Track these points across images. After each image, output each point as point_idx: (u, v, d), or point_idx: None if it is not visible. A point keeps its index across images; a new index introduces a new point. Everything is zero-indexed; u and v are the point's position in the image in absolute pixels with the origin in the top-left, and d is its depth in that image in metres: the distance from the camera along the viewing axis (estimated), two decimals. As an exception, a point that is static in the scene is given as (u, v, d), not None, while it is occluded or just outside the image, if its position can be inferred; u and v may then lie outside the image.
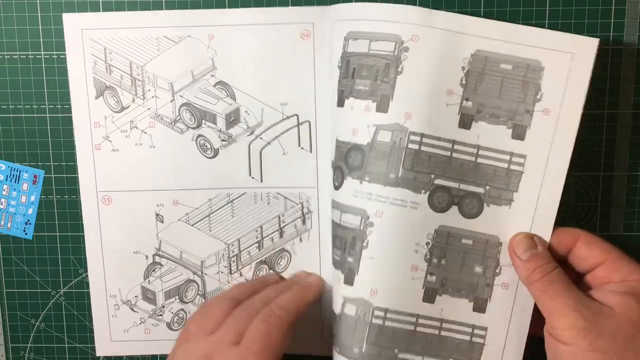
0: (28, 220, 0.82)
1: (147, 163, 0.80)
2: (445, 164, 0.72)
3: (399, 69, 0.71)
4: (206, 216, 0.83)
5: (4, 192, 0.81)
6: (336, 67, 0.72)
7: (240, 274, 0.84)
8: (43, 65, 0.79)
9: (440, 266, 0.74)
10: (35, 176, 0.82)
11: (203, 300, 0.83)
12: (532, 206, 0.71)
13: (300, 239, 0.84)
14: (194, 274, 0.84)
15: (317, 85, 0.78)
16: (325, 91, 0.75)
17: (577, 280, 0.67)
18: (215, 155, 0.82)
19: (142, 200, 0.81)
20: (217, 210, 0.83)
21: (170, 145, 0.80)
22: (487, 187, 0.73)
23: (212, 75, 0.80)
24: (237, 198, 0.83)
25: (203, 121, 0.81)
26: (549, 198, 0.71)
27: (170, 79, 0.79)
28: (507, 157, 0.72)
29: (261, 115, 0.81)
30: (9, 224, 0.81)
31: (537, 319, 0.67)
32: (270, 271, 0.84)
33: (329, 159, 0.75)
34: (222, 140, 0.81)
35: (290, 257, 0.85)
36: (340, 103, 0.73)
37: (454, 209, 0.74)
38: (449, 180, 0.73)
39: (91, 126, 0.79)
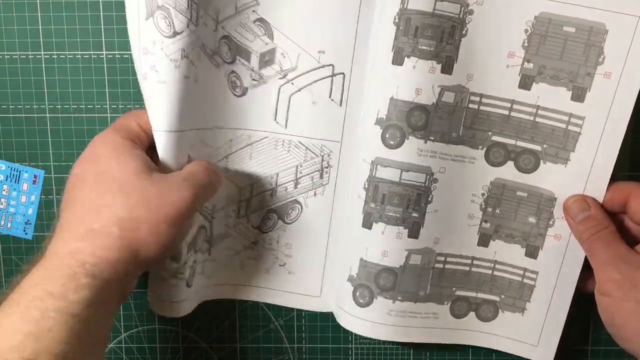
0: (28, 220, 0.80)
1: (190, 101, 0.69)
2: (502, 122, 0.75)
3: (464, 32, 0.71)
4: (224, 157, 0.77)
5: (4, 192, 0.78)
6: (390, 23, 0.71)
7: (248, 220, 0.80)
8: (43, 65, 0.77)
9: (494, 215, 0.78)
10: (35, 176, 0.79)
11: (208, 246, 0.77)
12: (588, 166, 0.73)
13: (315, 193, 0.81)
14: (204, 218, 0.77)
15: (358, 37, 0.73)
16: (368, 45, 0.72)
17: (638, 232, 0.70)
18: (243, 94, 0.77)
19: (174, 144, 0.69)
20: (236, 151, 0.78)
21: (208, 80, 0.72)
22: (545, 146, 0.75)
23: (253, 11, 0.74)
24: (258, 141, 0.78)
25: (237, 57, 0.74)
26: (604, 160, 0.73)
27: (217, 6, 0.71)
28: (566, 118, 0.74)
29: (297, 60, 0.75)
30: (9, 224, 0.79)
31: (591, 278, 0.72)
32: (279, 221, 0.80)
33: (360, 115, 0.74)
34: (253, 79, 0.76)
35: (302, 209, 0.81)
36: (398, 61, 0.72)
37: (510, 164, 0.76)
38: (506, 137, 0.76)
39: (140, 52, 0.67)
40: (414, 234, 0.78)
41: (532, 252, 0.79)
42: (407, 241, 0.77)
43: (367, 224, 0.77)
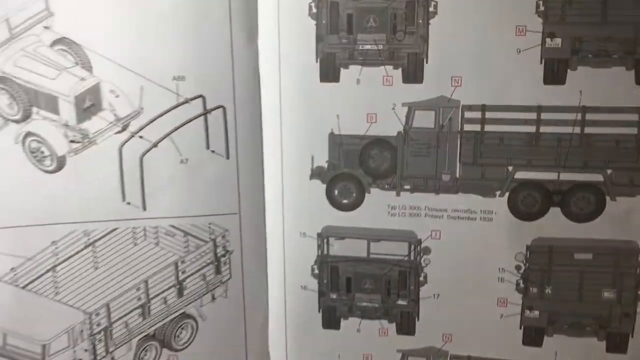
0: None
1: None
2: (528, 145, 0.56)
3: (432, 9, 0.53)
4: (48, 270, 0.54)
5: None
6: (304, 15, 0.55)
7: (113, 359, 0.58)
8: None
9: (544, 296, 0.59)
10: None
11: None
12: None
13: (213, 297, 0.60)
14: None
15: (235, 47, 0.53)
16: (260, 54, 0.55)
17: None
18: (59, 168, 0.53)
19: None
20: (66, 259, 0.54)
21: None
22: (609, 171, 0.55)
23: (45, 27, 0.50)
24: (102, 237, 0.55)
25: (34, 108, 0.51)
26: None
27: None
28: (636, 117, 0.53)
29: (140, 98, 0.53)
30: None
31: None
32: (164, 350, 0.60)
33: (273, 166, 0.59)
34: (72, 141, 0.52)
35: (197, 326, 0.60)
36: (331, 75, 0.56)
37: (555, 212, 0.57)
38: (538, 169, 0.56)
39: None
40: (406, 328, 0.61)
41: (617, 345, 0.58)
42: (397, 339, 0.61)
43: (332, 322, 0.62)
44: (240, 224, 0.59)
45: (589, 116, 0.54)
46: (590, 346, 0.59)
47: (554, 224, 0.57)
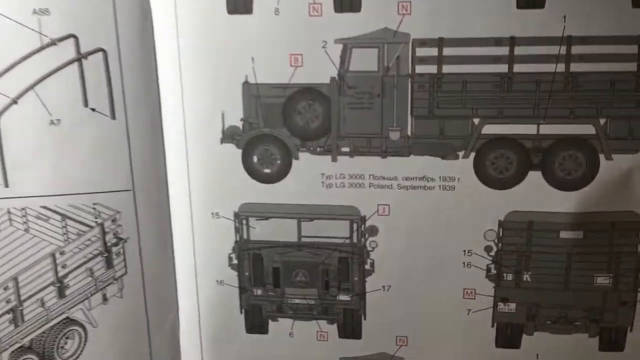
0: None
1: None
2: (498, 90, 0.47)
3: None
4: None
5: None
6: None
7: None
8: None
9: (521, 285, 0.50)
10: None
11: None
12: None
13: (105, 297, 0.52)
14: None
15: None
16: None
17: None
18: None
19: None
20: None
21: None
22: (602, 121, 0.46)
23: None
24: None
25: None
26: None
27: None
28: (636, 49, 0.45)
29: None
30: None
31: None
32: None
33: (173, 127, 0.50)
34: None
35: (86, 334, 0.52)
36: (243, 6, 0.47)
37: (535, 178, 0.48)
38: (512, 121, 0.47)
39: None
40: (349, 330, 0.52)
41: (612, 341, 0.50)
42: (339, 344, 0.53)
43: (257, 325, 0.53)
44: (135, 203, 0.51)
45: (576, 49, 0.46)
46: (579, 345, 0.52)
47: (534, 193, 0.49)
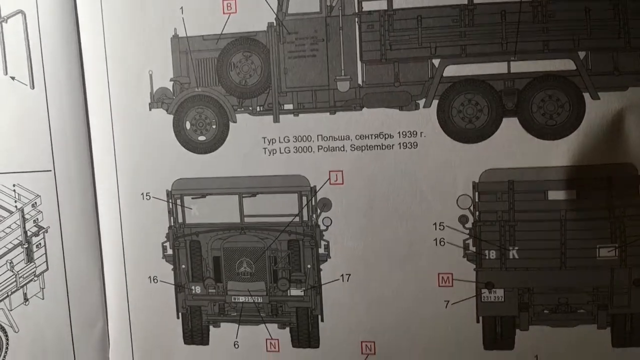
0: None
1: None
2: (459, 24, 0.39)
3: None
4: None
5: None
6: None
7: None
8: None
9: (507, 263, 0.41)
10: None
11: None
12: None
13: (25, 297, 0.44)
14: None
15: None
16: None
17: None
18: None
19: None
20: None
21: None
22: (582, 54, 0.38)
23: None
24: None
25: None
26: None
27: None
28: None
29: None
30: None
31: None
32: None
33: (92, 99, 0.44)
34: None
35: (6, 339, 0.45)
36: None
37: (511, 125, 0.39)
38: (478, 59, 0.40)
39: None
40: (305, 337, 0.43)
41: (627, 334, 0.40)
42: (293, 355, 0.44)
43: (196, 333, 0.44)
44: (56, 185, 0.44)
45: None
46: (588, 340, 0.42)
47: (512, 145, 0.40)
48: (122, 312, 0.44)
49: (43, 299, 0.44)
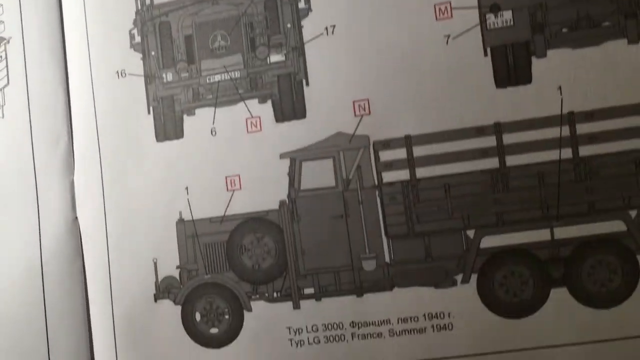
0: None
1: None
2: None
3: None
4: None
5: None
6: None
7: None
8: None
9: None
10: None
11: None
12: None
13: None
14: None
15: None
16: None
17: None
18: None
19: None
20: None
21: None
22: (633, 213, 0.35)
23: None
24: None
25: None
26: None
27: None
28: None
29: None
30: None
31: None
32: None
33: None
34: None
35: None
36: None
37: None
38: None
39: None
40: (290, 108, 0.40)
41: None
42: (277, 132, 0.39)
43: (169, 129, 0.41)
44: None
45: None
46: (616, 58, 0.36)
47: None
48: (88, 118, 0.39)
49: (3, 117, 0.40)
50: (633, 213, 0.34)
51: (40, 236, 0.42)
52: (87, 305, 0.42)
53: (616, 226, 0.35)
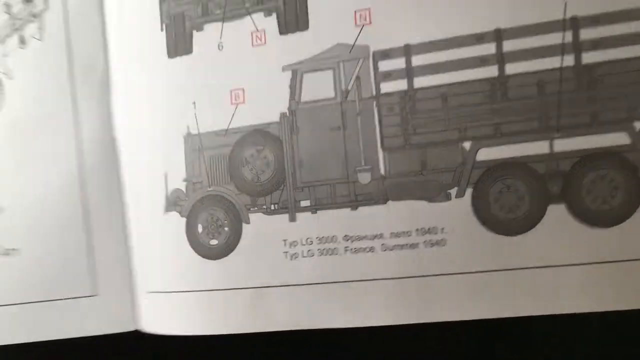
0: None
1: None
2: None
3: None
4: None
5: None
6: None
7: None
8: None
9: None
10: None
11: None
12: None
13: (22, 40, 0.43)
14: None
15: None
16: None
17: None
18: None
19: None
20: None
21: None
22: (637, 124, 0.33)
23: None
24: None
25: None
26: None
27: None
28: None
29: None
30: None
31: None
32: None
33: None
34: None
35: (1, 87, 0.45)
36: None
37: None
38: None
39: None
40: (293, 20, 0.40)
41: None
42: (280, 45, 0.39)
43: (180, 43, 0.41)
44: None
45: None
46: None
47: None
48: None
49: (41, 40, 0.41)
50: (638, 125, 0.32)
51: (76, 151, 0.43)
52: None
53: (620, 139, 0.33)
